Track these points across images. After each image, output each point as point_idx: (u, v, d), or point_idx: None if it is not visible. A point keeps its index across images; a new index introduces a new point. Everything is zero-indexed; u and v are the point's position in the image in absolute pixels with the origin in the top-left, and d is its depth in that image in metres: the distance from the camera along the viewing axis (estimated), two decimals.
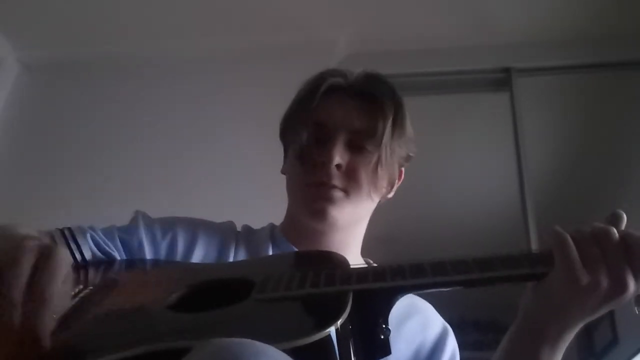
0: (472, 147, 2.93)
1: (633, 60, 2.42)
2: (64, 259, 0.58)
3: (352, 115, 0.93)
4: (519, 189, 2.31)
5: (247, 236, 0.97)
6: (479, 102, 2.72)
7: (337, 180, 0.89)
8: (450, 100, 2.73)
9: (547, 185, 2.89)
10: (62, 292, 0.58)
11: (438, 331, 0.94)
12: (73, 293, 0.70)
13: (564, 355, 0.72)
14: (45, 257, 0.57)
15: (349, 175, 0.91)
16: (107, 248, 0.85)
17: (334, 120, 0.93)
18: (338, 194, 0.90)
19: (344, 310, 0.58)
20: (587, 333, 3.16)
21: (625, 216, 0.70)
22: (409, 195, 2.76)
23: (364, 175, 0.91)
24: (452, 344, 0.94)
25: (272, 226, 1.01)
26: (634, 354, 2.76)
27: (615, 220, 0.70)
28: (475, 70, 2.53)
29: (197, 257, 0.89)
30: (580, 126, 2.79)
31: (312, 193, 0.90)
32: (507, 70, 2.48)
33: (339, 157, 0.89)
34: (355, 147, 0.92)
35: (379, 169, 0.92)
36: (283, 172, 1.01)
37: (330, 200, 0.89)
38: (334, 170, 0.89)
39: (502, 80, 2.50)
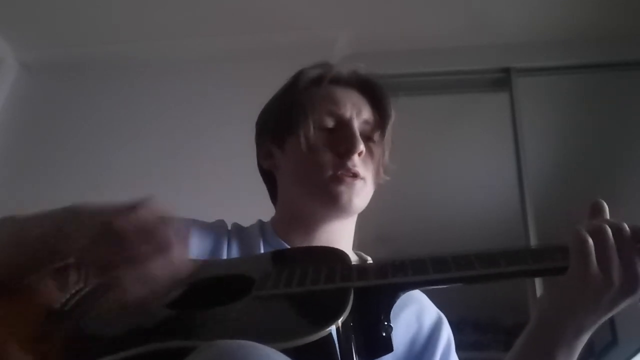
0: (471, 147, 2.93)
1: (633, 60, 2.42)
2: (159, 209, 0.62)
3: (361, 106, 0.95)
4: (519, 189, 2.30)
5: (238, 234, 0.97)
6: (479, 102, 2.72)
7: (360, 168, 0.90)
8: (450, 100, 2.73)
9: (546, 185, 2.89)
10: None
11: (433, 320, 0.94)
12: (73, 291, 0.71)
13: None
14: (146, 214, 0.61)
15: (365, 164, 0.92)
16: None
17: (345, 110, 0.93)
18: (360, 182, 0.90)
19: (345, 308, 0.58)
20: None
21: (605, 203, 0.70)
22: (408, 195, 2.76)
23: (374, 165, 0.93)
24: (447, 332, 0.94)
25: (261, 223, 1.01)
26: (634, 354, 2.75)
27: (599, 211, 0.70)
28: (475, 70, 2.53)
29: (191, 253, 0.89)
30: (580, 126, 2.79)
31: (337, 183, 0.89)
32: (506, 70, 2.48)
33: (362, 144, 0.90)
34: (364, 138, 0.93)
35: (384, 159, 0.95)
36: (271, 167, 0.99)
37: (355, 190, 0.89)
38: (357, 158, 0.90)
39: (501, 80, 2.50)
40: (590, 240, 0.64)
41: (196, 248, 0.90)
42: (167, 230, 0.60)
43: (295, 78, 0.99)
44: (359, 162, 0.90)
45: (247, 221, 1.02)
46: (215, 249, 0.91)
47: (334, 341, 0.55)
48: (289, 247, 0.93)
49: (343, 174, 0.89)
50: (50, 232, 0.66)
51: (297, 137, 0.91)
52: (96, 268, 0.61)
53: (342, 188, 0.88)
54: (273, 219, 1.01)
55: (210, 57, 2.49)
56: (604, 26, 2.38)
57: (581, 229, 0.65)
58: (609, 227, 0.65)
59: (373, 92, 0.98)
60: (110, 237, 0.59)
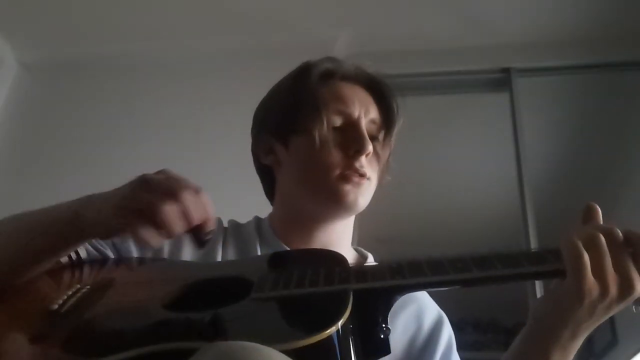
0: (471, 148, 2.93)
1: (633, 60, 2.42)
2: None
3: (368, 105, 0.94)
4: (519, 189, 2.30)
5: (235, 232, 0.96)
6: (479, 102, 2.72)
7: (367, 169, 0.89)
8: (450, 100, 2.73)
9: (546, 185, 2.89)
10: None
11: (433, 320, 0.93)
12: (70, 293, 0.71)
13: None
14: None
15: (371, 164, 0.92)
16: (100, 247, 0.85)
17: (354, 108, 0.92)
18: (366, 182, 0.90)
19: (345, 310, 0.58)
20: None
21: (598, 207, 0.69)
22: (408, 195, 2.76)
23: (379, 165, 0.93)
24: (447, 332, 0.93)
25: (258, 220, 0.99)
26: (634, 354, 2.76)
27: (591, 216, 0.69)
28: (475, 70, 2.53)
29: (185, 255, 0.88)
30: (580, 126, 2.79)
31: (344, 182, 0.88)
32: (506, 71, 2.48)
33: (371, 145, 0.90)
34: (370, 137, 0.91)
35: (389, 160, 0.96)
36: (271, 163, 0.97)
37: (361, 189, 0.89)
38: (364, 159, 0.89)
39: (501, 80, 2.50)
40: (586, 255, 0.63)
41: (190, 247, 0.89)
42: (189, 180, 0.67)
43: (302, 72, 0.96)
44: (365, 162, 0.89)
45: (244, 217, 1.01)
46: (209, 250, 0.90)
47: (334, 343, 0.56)
48: (286, 248, 0.92)
49: (350, 173, 0.88)
50: (69, 215, 0.71)
51: (307, 134, 0.89)
52: (136, 211, 0.63)
53: (349, 187, 0.88)
54: (270, 216, 0.99)
55: (210, 57, 2.49)
56: (604, 26, 2.37)
57: (575, 241, 0.63)
58: (601, 233, 0.64)
59: (380, 91, 0.96)
60: (144, 185, 0.65)
